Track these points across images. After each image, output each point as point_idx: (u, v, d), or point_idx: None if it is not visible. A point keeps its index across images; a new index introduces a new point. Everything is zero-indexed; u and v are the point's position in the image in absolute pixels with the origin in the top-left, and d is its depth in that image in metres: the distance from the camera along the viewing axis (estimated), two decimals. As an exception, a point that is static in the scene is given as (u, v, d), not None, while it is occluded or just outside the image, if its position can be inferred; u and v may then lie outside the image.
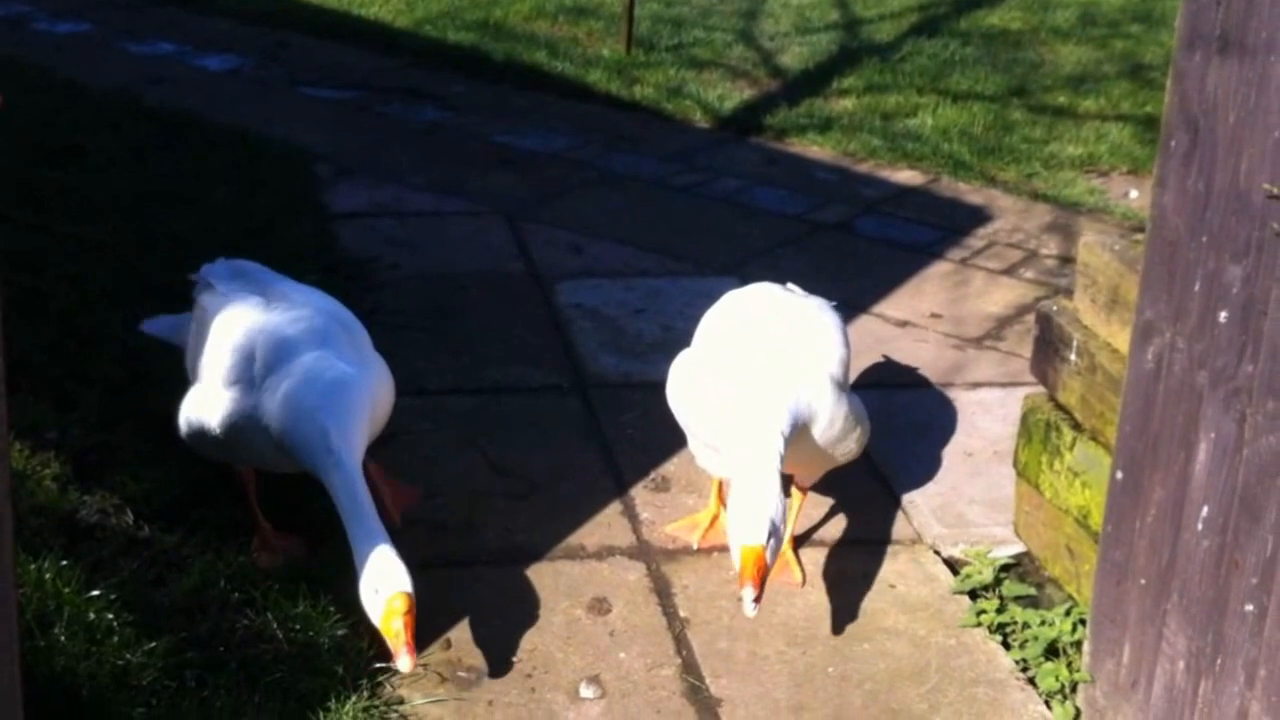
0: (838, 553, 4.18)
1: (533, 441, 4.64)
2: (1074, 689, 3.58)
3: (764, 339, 3.82)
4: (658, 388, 4.17)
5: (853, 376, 4.27)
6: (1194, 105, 2.99)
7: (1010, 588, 3.99)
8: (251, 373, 3.69)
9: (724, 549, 3.96)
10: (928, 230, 6.52)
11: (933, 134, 7.60)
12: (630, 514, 4.31)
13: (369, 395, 3.73)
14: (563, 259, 6.01)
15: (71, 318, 4.94)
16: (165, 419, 4.25)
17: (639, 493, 4.41)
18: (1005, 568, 4.08)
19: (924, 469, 4.60)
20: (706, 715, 3.53)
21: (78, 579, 3.45)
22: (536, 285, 5.76)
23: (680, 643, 3.77)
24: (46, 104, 7.12)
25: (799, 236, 6.40)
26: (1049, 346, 4.02)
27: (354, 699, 3.39)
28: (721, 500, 4.18)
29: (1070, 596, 3.92)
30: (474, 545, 4.10)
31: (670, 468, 4.52)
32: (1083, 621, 3.64)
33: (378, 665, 3.54)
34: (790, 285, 4.39)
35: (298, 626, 3.55)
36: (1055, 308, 4.06)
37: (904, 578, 4.08)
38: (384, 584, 3.33)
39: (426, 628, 3.70)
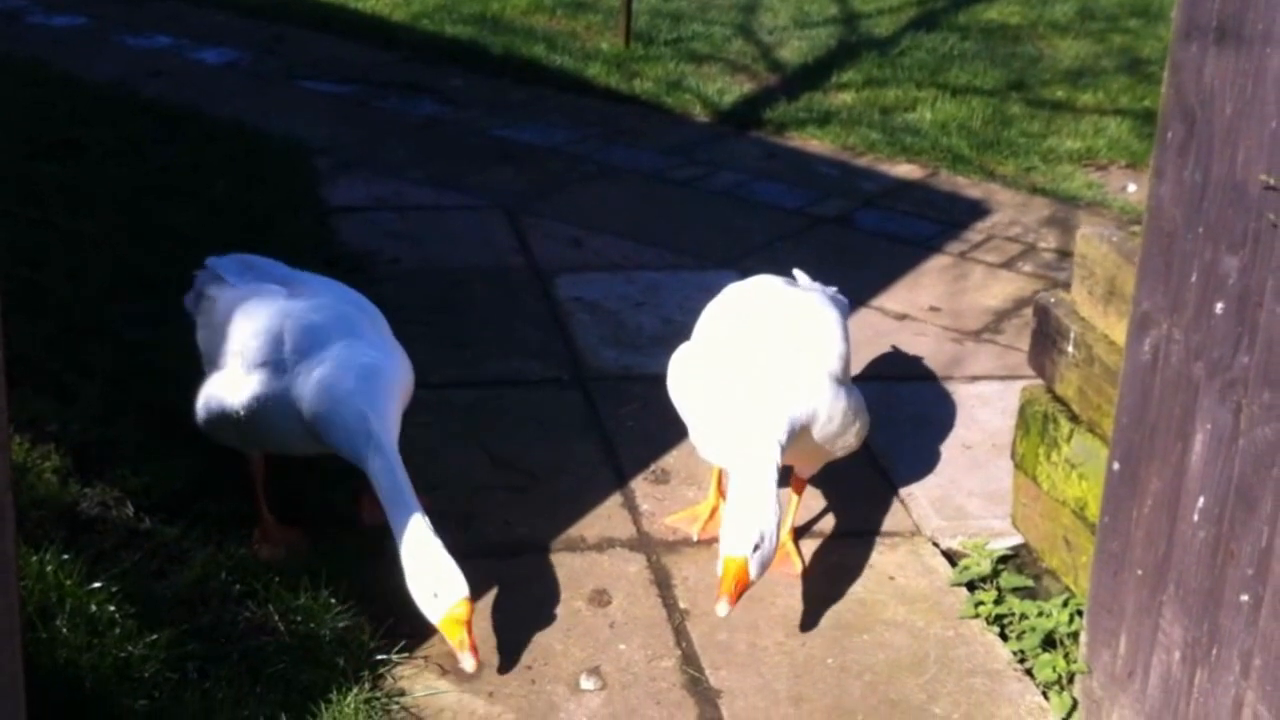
0: (837, 544, 4.19)
1: (533, 434, 4.65)
2: (1071, 679, 3.59)
3: (763, 337, 3.82)
4: (658, 380, 4.18)
5: (852, 369, 4.28)
6: (1191, 96, 3.00)
7: (1008, 579, 4.00)
8: (280, 355, 3.73)
9: (723, 541, 3.98)
10: (926, 224, 6.53)
11: (932, 128, 7.60)
12: (630, 506, 4.32)
13: (399, 381, 3.81)
14: (562, 252, 6.02)
15: (70, 311, 4.94)
16: (166, 412, 4.26)
17: (639, 485, 4.42)
18: (1003, 559, 4.10)
19: (923, 461, 4.61)
20: (706, 706, 3.55)
21: (79, 571, 3.46)
22: (536, 279, 5.77)
23: (680, 634, 3.79)
24: (43, 98, 7.12)
25: (798, 230, 6.41)
26: (1046, 338, 4.04)
27: (355, 691, 3.40)
28: (721, 492, 4.19)
29: (1067, 588, 3.94)
30: (474, 538, 4.10)
31: (670, 460, 4.53)
32: (1080, 612, 3.65)
33: (379, 657, 3.55)
34: (796, 271, 4.40)
35: (299, 618, 3.55)
36: (1053, 300, 4.07)
37: (903, 569, 4.10)
38: (444, 589, 3.42)
39: (428, 620, 3.72)
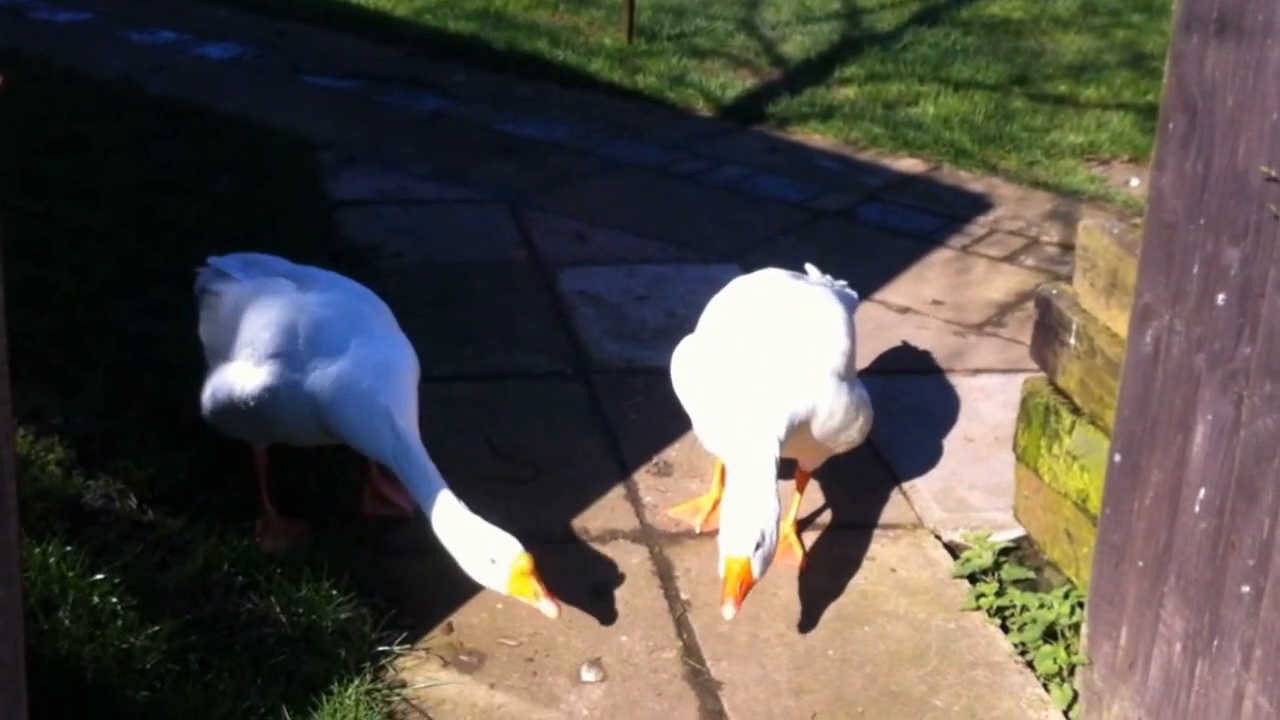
0: (839, 536, 4.20)
1: (536, 427, 4.66)
2: (1072, 671, 3.59)
3: (767, 331, 3.82)
4: (661, 373, 4.18)
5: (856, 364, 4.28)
6: (1192, 88, 3.00)
7: (1010, 571, 4.00)
8: (293, 347, 3.74)
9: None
10: (929, 218, 6.53)
11: (934, 122, 7.60)
12: (633, 498, 4.32)
13: (414, 374, 3.83)
14: (565, 247, 6.02)
15: (74, 305, 4.96)
16: (168, 405, 4.26)
17: (642, 477, 4.43)
18: (1005, 551, 4.10)
19: (925, 454, 4.61)
20: (707, 698, 3.55)
21: (82, 563, 3.46)
22: (539, 273, 5.77)
23: (682, 625, 3.79)
24: (48, 93, 7.12)
25: (801, 224, 6.41)
26: (1048, 331, 4.04)
27: (357, 682, 3.41)
28: (724, 484, 4.19)
29: (1069, 580, 3.94)
30: (476, 530, 4.11)
31: (673, 453, 4.54)
32: (1081, 604, 3.65)
33: (380, 649, 3.56)
34: (808, 266, 4.40)
35: (301, 610, 3.56)
36: (1055, 292, 4.07)
37: (905, 561, 4.10)
38: (499, 552, 3.44)
39: (429, 611, 3.73)
